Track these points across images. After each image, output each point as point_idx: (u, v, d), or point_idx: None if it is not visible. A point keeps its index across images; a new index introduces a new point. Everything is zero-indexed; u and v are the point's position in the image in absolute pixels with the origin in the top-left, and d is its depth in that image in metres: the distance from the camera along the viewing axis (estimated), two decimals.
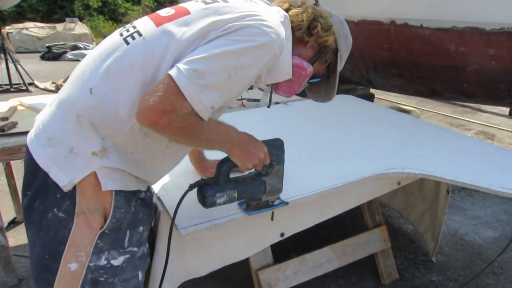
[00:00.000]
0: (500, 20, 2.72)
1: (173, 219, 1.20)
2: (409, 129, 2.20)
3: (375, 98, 5.09)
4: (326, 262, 2.05)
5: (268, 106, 1.33)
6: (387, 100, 6.13)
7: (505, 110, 5.70)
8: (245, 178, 1.28)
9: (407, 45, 3.46)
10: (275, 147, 1.28)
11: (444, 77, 3.32)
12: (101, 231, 1.05)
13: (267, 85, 1.23)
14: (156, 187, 1.46)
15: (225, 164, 1.21)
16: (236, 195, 1.24)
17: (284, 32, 1.08)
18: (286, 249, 2.13)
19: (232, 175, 1.24)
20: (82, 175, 1.02)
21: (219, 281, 2.23)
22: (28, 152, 1.07)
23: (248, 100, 2.95)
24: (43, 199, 1.04)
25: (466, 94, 3.31)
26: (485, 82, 3.03)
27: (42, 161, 1.02)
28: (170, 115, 0.95)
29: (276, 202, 1.42)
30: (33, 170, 1.04)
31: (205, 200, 1.19)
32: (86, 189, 1.02)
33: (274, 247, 1.79)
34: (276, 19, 1.08)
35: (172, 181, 1.52)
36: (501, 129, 5.02)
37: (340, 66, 1.26)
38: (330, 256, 2.07)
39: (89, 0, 18.22)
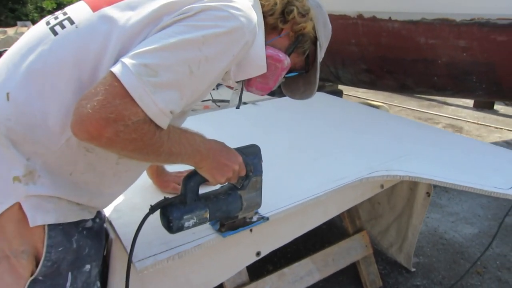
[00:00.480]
0: (470, 11, 2.64)
1: (130, 254, 0.98)
2: (388, 126, 2.06)
3: (343, 95, 5.00)
4: (306, 275, 1.89)
5: (238, 107, 1.13)
6: (355, 97, 6.07)
7: (470, 102, 5.78)
8: (217, 194, 1.08)
9: (375, 39, 3.36)
10: (251, 155, 1.10)
11: (414, 71, 3.24)
12: (32, 278, 0.82)
13: (237, 82, 1.03)
14: (106, 208, 1.23)
15: (193, 179, 1.01)
16: (208, 215, 1.04)
17: (256, 16, 0.88)
18: (261, 261, 1.95)
19: (201, 191, 1.05)
20: (1, 208, 0.79)
21: None
22: None
23: (214, 101, 2.75)
24: None
25: (437, 88, 3.25)
26: (456, 74, 2.97)
27: None
28: (116, 125, 0.72)
29: (254, 219, 1.23)
30: None
31: (171, 225, 0.98)
32: (7, 226, 0.80)
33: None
34: (245, 1, 0.88)
35: (126, 200, 1.29)
36: (468, 121, 5.06)
37: (320, 56, 1.08)
38: (310, 268, 1.90)
39: (43, 3, 17.34)
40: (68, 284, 0.88)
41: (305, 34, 1.02)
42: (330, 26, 1.09)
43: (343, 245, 2.01)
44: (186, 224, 1.00)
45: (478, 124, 4.96)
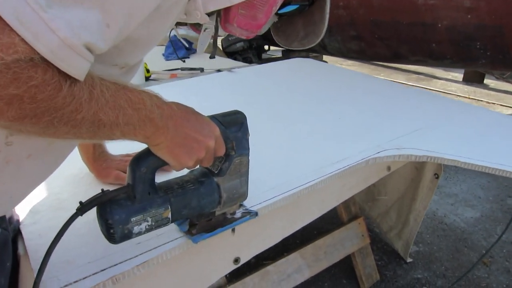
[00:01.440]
0: None
1: (36, 280, 0.62)
2: (392, 96, 1.73)
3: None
4: (295, 272, 1.58)
5: (212, 56, 0.78)
6: None
7: (459, 76, 5.53)
8: (183, 183, 0.73)
9: (366, 0, 3.01)
10: (233, 126, 0.75)
11: (410, 37, 2.92)
12: None
13: (208, 15, 0.68)
14: (19, 209, 0.86)
15: (144, 163, 0.66)
16: (170, 215, 0.70)
17: None
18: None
19: (158, 178, 0.70)
20: None
21: None
22: None
23: (183, 69, 2.36)
24: None
25: (434, 56, 2.93)
26: (457, 40, 2.65)
27: None
28: None
29: (238, 214, 0.88)
30: None
31: (112, 231, 0.64)
32: None
33: None
34: None
35: (49, 197, 0.92)
36: (458, 95, 4.81)
37: None
38: (299, 265, 1.60)
39: None
40: None
41: None
42: None
43: (336, 236, 1.71)
44: (136, 229, 0.66)
45: (469, 98, 4.72)
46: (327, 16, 0.76)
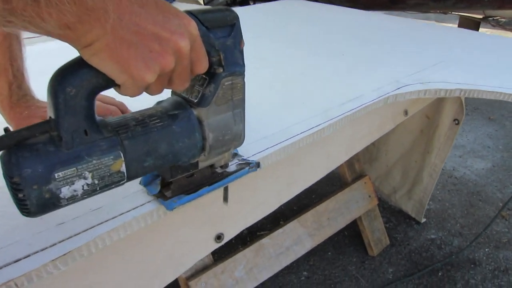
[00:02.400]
0: None
1: None
2: (402, 30, 1.45)
3: None
4: (294, 244, 1.36)
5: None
6: None
7: (454, 26, 5.24)
8: (144, 118, 0.45)
9: None
10: (221, 27, 0.47)
11: None
12: None
13: None
14: None
15: (73, 80, 0.38)
16: (124, 167, 0.43)
17: None
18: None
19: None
20: None
21: None
22: None
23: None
24: None
25: None
26: None
27: None
28: None
29: (233, 167, 0.62)
30: None
31: (22, 196, 0.37)
32: None
33: None
34: None
35: None
36: None
37: None
38: (299, 234, 1.37)
39: None
40: None
41: None
42: None
43: (340, 198, 1.48)
44: (66, 191, 0.39)
45: None
46: None
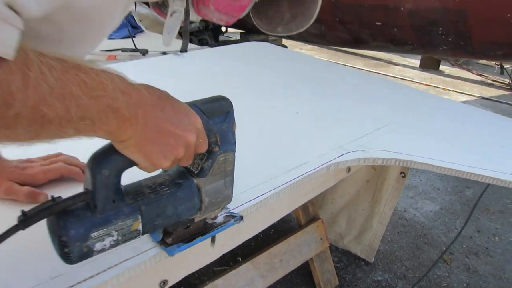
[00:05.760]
0: None
1: None
2: (354, 86, 1.56)
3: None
4: (246, 285, 1.40)
5: (184, 50, 0.91)
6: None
7: (416, 62, 5.53)
8: (156, 186, 0.59)
9: None
10: (218, 115, 0.62)
11: (371, 21, 2.77)
12: None
13: None
14: None
15: (107, 164, 0.51)
16: (140, 227, 0.56)
17: None
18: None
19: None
20: None
21: None
22: None
23: (124, 50, 2.08)
24: None
25: (396, 42, 2.81)
26: (420, 25, 2.53)
27: None
28: None
29: (220, 219, 0.74)
30: None
31: (67, 251, 0.50)
32: None
33: None
34: None
35: None
36: (416, 82, 4.79)
37: None
38: (252, 276, 1.42)
39: None
40: None
41: None
42: None
43: (293, 241, 1.54)
44: (98, 245, 0.52)
45: (426, 85, 4.71)
46: None
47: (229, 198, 0.69)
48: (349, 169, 1.17)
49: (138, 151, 0.49)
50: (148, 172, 0.54)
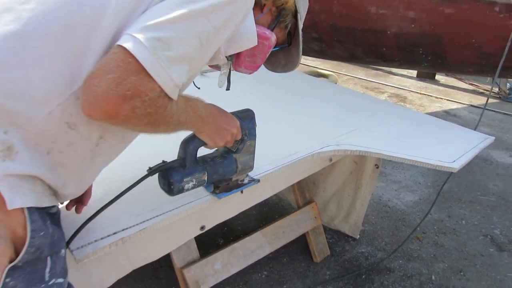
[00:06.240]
0: None
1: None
2: (338, 99, 2.05)
3: None
4: (257, 249, 1.88)
5: (228, 88, 1.12)
6: (304, 64, 6.06)
7: (413, 72, 5.98)
8: (214, 158, 1.11)
9: (327, 7, 3.31)
10: (246, 119, 1.13)
11: (364, 41, 3.25)
12: (11, 265, 0.71)
13: (227, 58, 0.99)
14: None
15: (192, 143, 1.01)
16: (206, 178, 1.07)
17: None
18: (211, 235, 1.92)
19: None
20: None
21: (140, 280, 1.96)
22: None
23: None
24: None
25: (385, 59, 3.29)
26: (404, 46, 3.01)
27: None
28: (133, 101, 0.70)
29: (246, 181, 1.27)
30: None
31: (172, 187, 1.00)
32: None
33: (198, 238, 1.57)
34: None
35: None
36: (411, 91, 5.24)
37: (300, 28, 1.08)
38: (261, 242, 1.89)
39: None
40: (48, 269, 0.78)
41: (286, 8, 1.03)
42: None
43: (293, 218, 2.01)
44: (186, 186, 1.02)
45: (420, 94, 5.16)
46: (300, 52, 1.09)
47: (251, 168, 1.21)
48: (330, 159, 1.66)
49: (208, 137, 0.97)
50: (210, 149, 1.04)
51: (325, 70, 5.68)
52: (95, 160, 0.85)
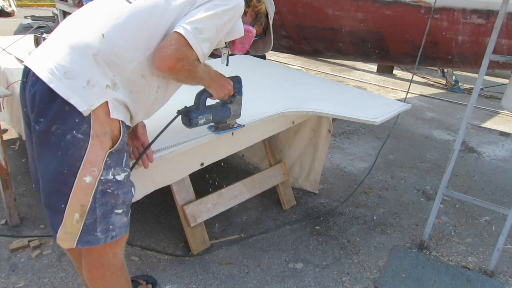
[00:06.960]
0: None
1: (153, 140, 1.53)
2: (300, 80, 2.64)
3: (266, 59, 5.54)
4: (239, 194, 2.43)
5: (227, 65, 1.69)
6: (277, 61, 6.67)
7: (374, 67, 6.68)
8: (216, 105, 1.70)
9: (293, 9, 3.90)
10: (237, 81, 1.69)
11: (324, 37, 3.87)
12: (110, 150, 1.25)
13: (225, 43, 1.54)
14: None
15: (203, 94, 1.58)
16: (212, 118, 1.65)
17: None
18: (204, 184, 2.45)
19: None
20: (98, 103, 1.20)
21: (145, 223, 2.47)
22: (37, 86, 1.18)
23: None
24: (61, 124, 1.18)
25: (342, 52, 3.91)
26: (356, 41, 3.64)
27: (62, 91, 1.15)
28: (182, 61, 1.26)
29: (235, 125, 1.85)
30: (47, 100, 1.17)
31: (191, 121, 1.57)
32: (100, 115, 1.21)
33: (195, 185, 2.11)
34: None
35: None
36: (371, 83, 5.92)
37: (270, 24, 1.68)
38: (242, 190, 2.45)
39: None
40: (124, 159, 1.32)
41: (261, 12, 1.62)
42: (273, 3, 1.69)
43: (266, 173, 2.58)
44: (200, 122, 1.60)
45: (378, 86, 5.84)
46: (272, 40, 1.69)
47: (239, 115, 1.80)
48: (293, 121, 2.24)
49: (214, 90, 1.56)
50: (214, 99, 1.63)
51: (295, 66, 6.29)
52: (155, 102, 1.42)
